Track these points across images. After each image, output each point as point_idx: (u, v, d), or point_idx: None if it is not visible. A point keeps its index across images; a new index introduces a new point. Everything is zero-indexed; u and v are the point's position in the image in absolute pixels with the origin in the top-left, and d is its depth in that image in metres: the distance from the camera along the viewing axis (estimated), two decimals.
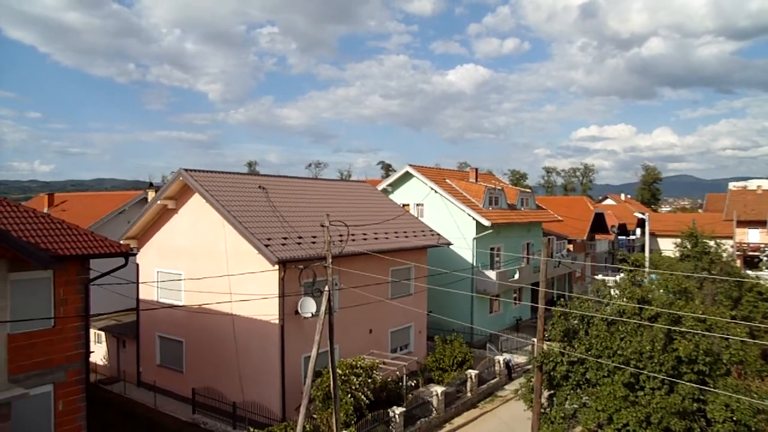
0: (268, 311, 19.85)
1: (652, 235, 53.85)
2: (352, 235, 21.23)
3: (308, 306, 19.90)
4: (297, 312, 20.20)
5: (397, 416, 19.55)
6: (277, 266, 19.47)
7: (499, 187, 38.11)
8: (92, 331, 23.48)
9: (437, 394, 21.90)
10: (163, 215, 23.68)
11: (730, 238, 55.29)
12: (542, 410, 16.28)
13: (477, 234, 32.83)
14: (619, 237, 67.30)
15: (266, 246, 19.54)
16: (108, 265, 15.77)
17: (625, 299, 16.14)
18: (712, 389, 13.67)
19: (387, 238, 25.33)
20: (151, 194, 27.05)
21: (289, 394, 20.05)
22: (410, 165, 35.47)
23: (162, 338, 23.89)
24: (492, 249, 34.52)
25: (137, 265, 23.94)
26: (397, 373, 22.28)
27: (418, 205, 34.96)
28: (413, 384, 23.59)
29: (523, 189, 45.87)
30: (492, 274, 33.01)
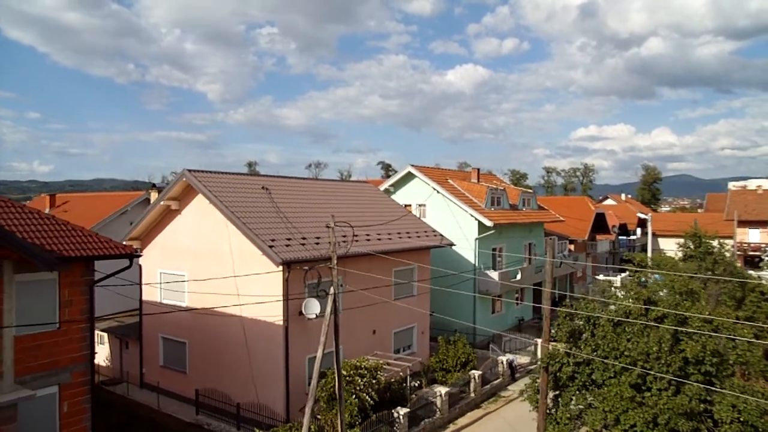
0: (272, 312, 19.82)
1: (653, 235, 53.84)
2: (356, 235, 21.23)
3: (312, 307, 19.81)
4: (301, 313, 20.14)
5: (401, 417, 19.53)
6: (281, 267, 19.44)
7: (501, 188, 38.10)
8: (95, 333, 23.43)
9: (441, 395, 21.89)
10: (166, 216, 23.65)
11: (731, 238, 55.29)
12: (547, 411, 16.25)
13: (479, 234, 32.81)
14: (620, 237, 67.32)
15: (270, 247, 19.51)
16: (112, 267, 15.75)
17: (630, 300, 16.13)
18: (719, 390, 13.65)
19: (390, 238, 25.31)
20: (153, 195, 27.03)
21: (293, 395, 20.03)
22: (412, 165, 35.46)
23: (165, 339, 23.84)
24: (494, 249, 34.52)
25: (140, 266, 23.91)
26: (401, 373, 22.26)
27: (420, 205, 34.94)
28: (417, 385, 23.57)
29: (524, 189, 45.86)
30: (494, 275, 33.00)
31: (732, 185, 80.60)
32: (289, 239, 20.67)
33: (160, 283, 23.61)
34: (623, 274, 50.15)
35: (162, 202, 23.07)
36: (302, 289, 20.23)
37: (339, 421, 16.23)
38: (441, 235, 28.97)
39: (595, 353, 15.06)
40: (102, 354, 26.65)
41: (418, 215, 33.25)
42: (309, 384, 20.03)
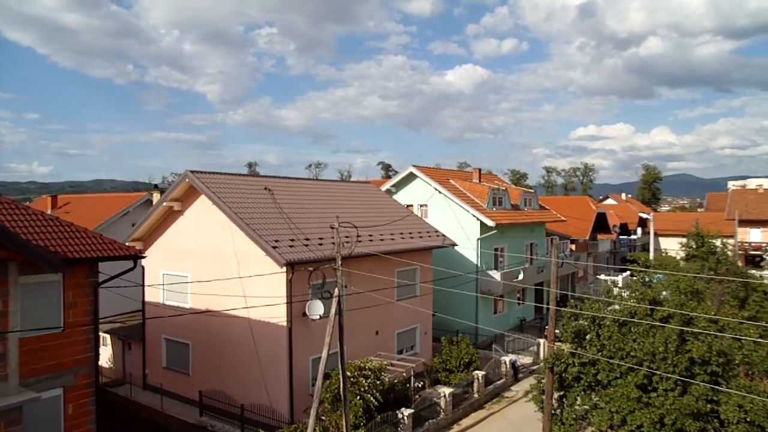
0: (276, 313, 19.78)
1: (654, 234, 53.85)
2: (359, 236, 21.20)
3: (316, 308, 19.85)
4: (304, 314, 20.14)
5: (405, 418, 19.50)
6: (284, 268, 19.41)
7: (503, 188, 38.09)
8: None
9: (445, 396, 21.86)
10: (169, 217, 23.61)
11: (732, 237, 55.33)
12: (552, 411, 16.23)
13: (481, 234, 32.78)
14: (621, 237, 67.35)
15: (274, 248, 19.47)
16: (115, 268, 15.73)
17: (633, 300, 16.12)
18: (725, 390, 13.63)
19: (393, 239, 25.28)
20: (156, 196, 26.96)
21: (297, 396, 20.00)
22: (414, 166, 35.44)
23: (168, 341, 23.81)
24: (496, 249, 34.50)
25: (142, 267, 23.85)
26: (404, 374, 22.23)
27: (421, 206, 34.91)
28: (420, 385, 23.54)
29: (526, 189, 45.84)
30: (496, 275, 32.98)
31: (732, 184, 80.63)
32: (292, 240, 20.64)
33: (163, 284, 23.57)
34: (624, 274, 50.20)
35: (165, 203, 23.03)
36: (305, 290, 20.21)
37: (344, 423, 16.22)
38: (443, 235, 28.94)
39: (600, 353, 15.04)
40: (104, 355, 26.60)
41: (419, 215, 33.22)
42: (312, 385, 20.08)
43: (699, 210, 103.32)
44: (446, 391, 22.13)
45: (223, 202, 20.94)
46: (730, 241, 39.07)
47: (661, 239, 66.66)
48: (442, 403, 21.75)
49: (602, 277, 52.36)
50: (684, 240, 30.98)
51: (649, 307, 15.13)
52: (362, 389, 18.77)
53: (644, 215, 60.48)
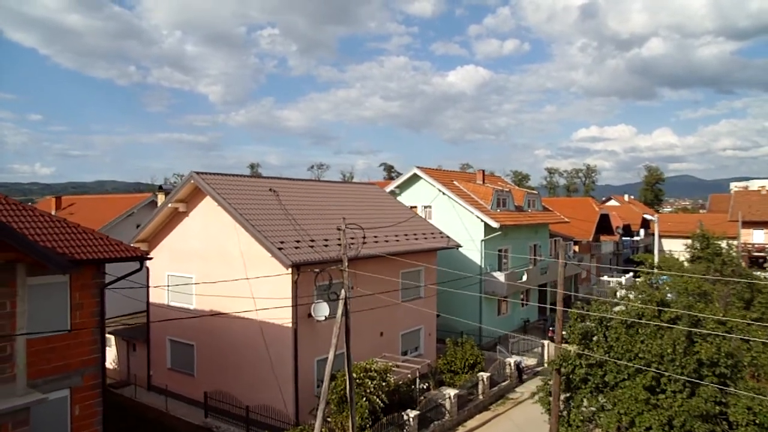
0: (281, 314, 19.75)
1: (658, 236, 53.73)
2: (365, 238, 21.19)
3: (322, 309, 19.80)
4: (310, 315, 20.12)
5: (411, 419, 19.47)
6: (290, 269, 19.40)
7: (507, 189, 38.07)
8: None
9: (450, 397, 21.82)
10: (174, 218, 23.61)
11: (735, 238, 55.22)
12: (559, 413, 16.19)
13: (485, 236, 32.76)
14: (624, 238, 67.26)
15: (280, 249, 19.47)
16: (121, 269, 15.73)
17: (639, 302, 16.07)
18: (734, 391, 13.59)
19: (398, 240, 25.26)
20: (160, 197, 27.01)
21: (302, 397, 19.97)
22: (418, 167, 35.44)
23: (173, 342, 23.80)
24: (500, 251, 34.46)
25: (147, 268, 23.85)
26: (409, 375, 22.20)
27: (425, 207, 34.91)
28: (425, 387, 23.50)
29: (529, 190, 45.79)
30: (501, 276, 32.95)
31: (734, 186, 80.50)
32: (298, 241, 20.63)
33: (168, 285, 23.56)
34: (627, 275, 50.10)
35: (170, 205, 23.04)
36: (311, 292, 20.20)
37: (350, 424, 16.18)
38: (448, 236, 28.92)
39: (608, 355, 15.00)
40: (109, 356, 26.56)
41: (423, 217, 33.20)
42: (317, 386, 20.07)
43: (701, 211, 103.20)
44: (451, 392, 22.09)
45: (228, 204, 20.94)
46: (734, 242, 38.97)
47: (664, 240, 66.50)
48: (447, 405, 21.72)
49: (605, 278, 52.34)
50: (688, 241, 30.89)
51: (657, 308, 15.09)
52: (368, 391, 18.74)
53: (649, 217, 60.38)
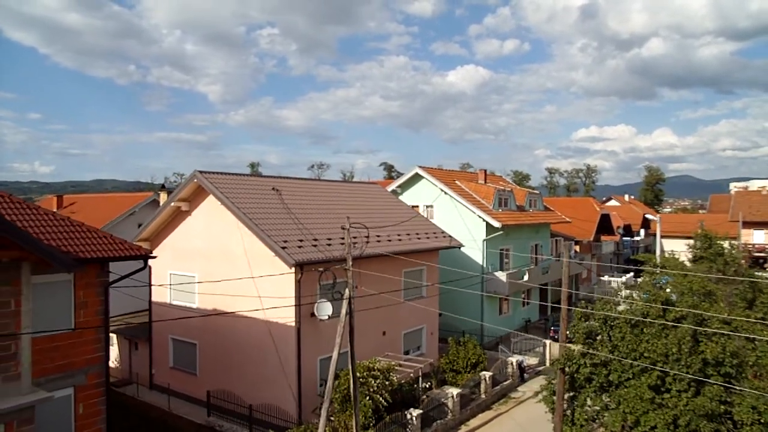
0: (284, 313, 19.75)
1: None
2: (368, 237, 21.17)
3: (325, 309, 19.83)
4: (313, 314, 20.12)
5: (414, 418, 19.47)
6: (293, 269, 19.38)
7: (509, 189, 38.07)
8: None
9: (452, 396, 21.82)
10: (177, 217, 23.60)
11: (736, 239, 55.24)
12: (563, 412, 16.18)
13: (487, 235, 32.76)
14: (624, 238, 67.29)
15: (283, 248, 19.45)
16: (124, 268, 15.73)
17: (642, 301, 16.07)
18: (739, 390, 13.59)
19: (400, 239, 25.26)
20: (163, 196, 26.99)
21: (305, 396, 19.96)
22: (420, 167, 35.43)
23: (175, 340, 23.78)
24: (502, 250, 34.45)
25: (149, 267, 23.81)
26: (412, 374, 22.20)
27: (427, 206, 34.90)
28: (427, 386, 23.50)
29: (531, 190, 45.80)
30: (502, 276, 32.95)
31: (734, 186, 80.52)
32: (301, 240, 20.62)
33: (170, 284, 23.55)
34: (628, 275, 50.09)
35: (172, 204, 23.02)
36: (314, 291, 20.19)
37: (354, 423, 16.18)
38: (450, 236, 28.91)
39: (612, 354, 15.00)
40: (111, 355, 26.55)
41: (425, 216, 33.19)
42: (320, 385, 20.07)
43: (701, 211, 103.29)
44: (454, 391, 22.09)
45: (231, 203, 20.92)
46: (735, 242, 38.98)
47: (665, 241, 66.50)
48: (450, 404, 21.72)
49: (605, 278, 52.36)
50: (690, 242, 30.90)
51: (661, 307, 15.09)
52: (371, 389, 18.74)
53: (651, 217, 60.38)
